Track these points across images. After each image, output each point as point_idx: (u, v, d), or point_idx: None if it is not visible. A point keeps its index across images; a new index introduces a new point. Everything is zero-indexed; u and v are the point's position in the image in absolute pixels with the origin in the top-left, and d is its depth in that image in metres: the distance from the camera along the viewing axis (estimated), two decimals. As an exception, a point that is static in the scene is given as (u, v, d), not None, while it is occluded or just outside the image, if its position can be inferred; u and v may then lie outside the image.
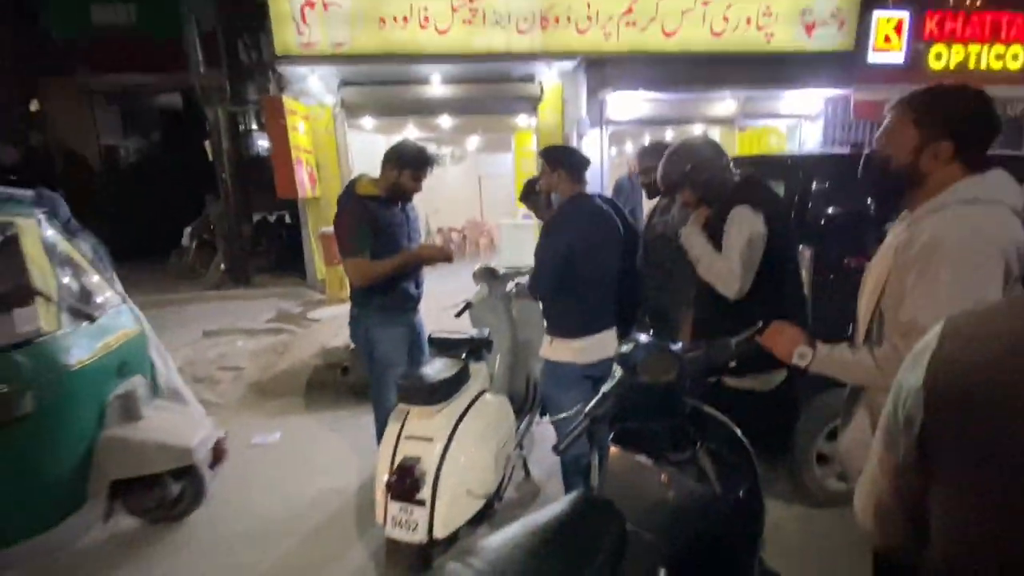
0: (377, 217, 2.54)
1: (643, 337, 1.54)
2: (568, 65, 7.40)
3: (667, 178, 2.21)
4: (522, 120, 8.26)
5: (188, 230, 9.57)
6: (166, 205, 10.89)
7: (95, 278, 2.77)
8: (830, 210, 2.74)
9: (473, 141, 11.01)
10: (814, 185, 2.73)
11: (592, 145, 7.69)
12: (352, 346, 4.10)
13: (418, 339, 2.82)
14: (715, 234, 2.10)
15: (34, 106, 11.02)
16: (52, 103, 11.02)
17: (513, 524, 1.15)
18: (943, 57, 8.26)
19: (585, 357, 2.27)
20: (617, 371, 1.45)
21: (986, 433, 0.56)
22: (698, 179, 2.15)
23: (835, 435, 2.60)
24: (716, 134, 8.80)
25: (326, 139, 7.38)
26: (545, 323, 2.40)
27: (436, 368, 2.31)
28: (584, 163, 2.37)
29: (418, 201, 2.81)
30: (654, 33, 7.38)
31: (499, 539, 1.09)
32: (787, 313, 1.68)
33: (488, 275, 3.04)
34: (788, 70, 7.75)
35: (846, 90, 7.92)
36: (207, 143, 8.66)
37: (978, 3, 8.19)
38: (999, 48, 8.27)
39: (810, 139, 8.46)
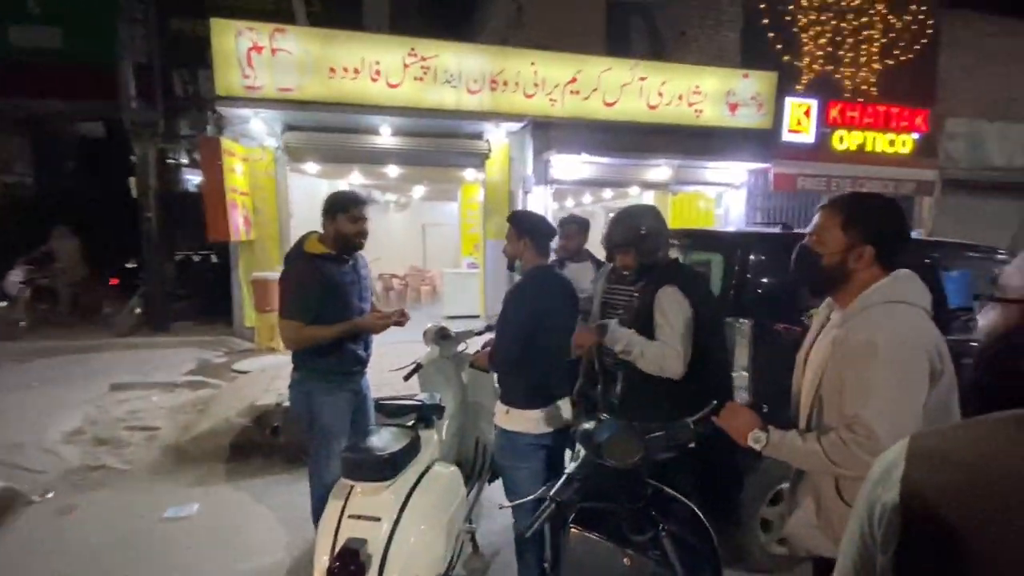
0: (326, 276, 2.44)
1: (606, 417, 1.52)
2: (515, 126, 7.57)
3: (615, 239, 2.24)
4: (469, 174, 8.27)
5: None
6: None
7: None
8: (765, 281, 2.87)
9: (419, 190, 10.93)
10: (751, 259, 2.87)
11: (537, 201, 7.89)
12: (286, 404, 3.83)
13: (363, 404, 2.69)
14: (638, 310, 2.16)
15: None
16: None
17: None
18: (844, 140, 9.14)
19: (541, 427, 2.22)
20: (580, 451, 1.44)
21: (961, 562, 0.56)
22: (647, 246, 2.20)
23: (777, 500, 2.75)
24: (651, 197, 9.23)
25: (265, 181, 7.12)
26: (499, 390, 2.34)
27: (385, 439, 2.17)
28: (551, 235, 2.35)
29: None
30: (596, 102, 7.68)
31: None
32: (715, 386, 1.73)
33: (439, 336, 2.93)
34: (715, 143, 8.34)
35: (765, 164, 8.63)
36: (132, 179, 8.05)
37: (874, 92, 9.19)
38: (891, 135, 9.28)
39: (734, 205, 9.02)
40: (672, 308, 2.06)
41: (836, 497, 1.42)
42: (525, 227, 2.31)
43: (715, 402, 1.54)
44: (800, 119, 8.80)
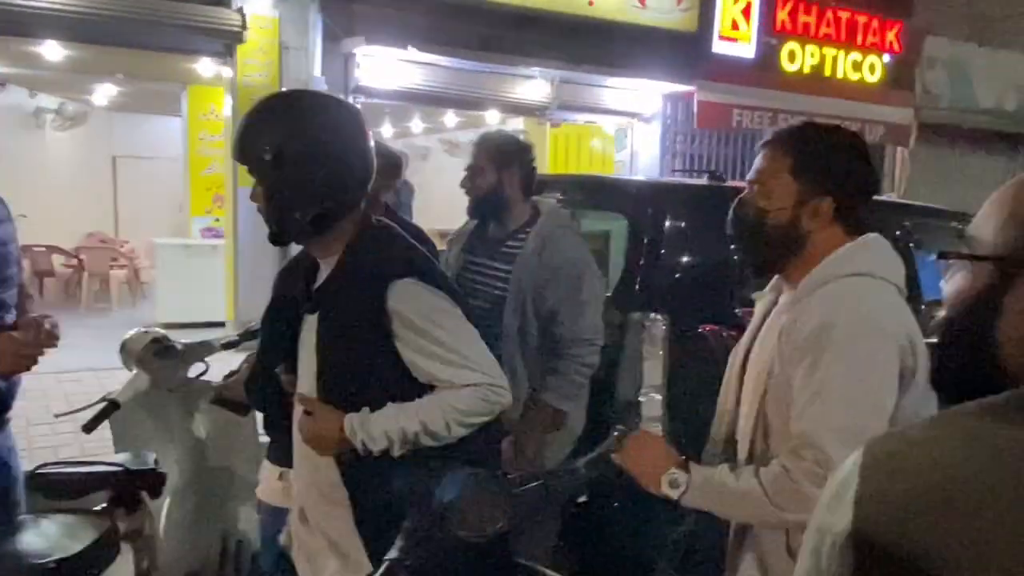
0: None
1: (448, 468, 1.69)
2: (292, -13, 7.27)
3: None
4: (205, 67, 7.88)
5: None
6: None
7: None
8: (688, 260, 3.12)
9: (104, 92, 10.35)
10: (667, 224, 3.10)
11: None
12: None
13: (3, 477, 2.55)
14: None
15: None
16: None
17: None
18: (797, 57, 9.58)
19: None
20: (409, 521, 1.56)
21: None
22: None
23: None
24: (518, 125, 9.34)
25: None
26: (267, 441, 2.43)
27: (47, 536, 2.23)
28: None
29: None
30: (434, -36, 7.65)
31: None
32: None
33: (152, 351, 2.79)
34: (616, 48, 8.35)
35: (687, 86, 8.79)
36: None
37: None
38: (856, 54, 9.92)
39: (643, 147, 9.30)
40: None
41: (785, 556, 1.52)
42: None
43: (616, 432, 1.66)
44: (736, 19, 8.98)
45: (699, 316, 2.93)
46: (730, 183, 3.44)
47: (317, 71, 7.49)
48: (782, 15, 9.21)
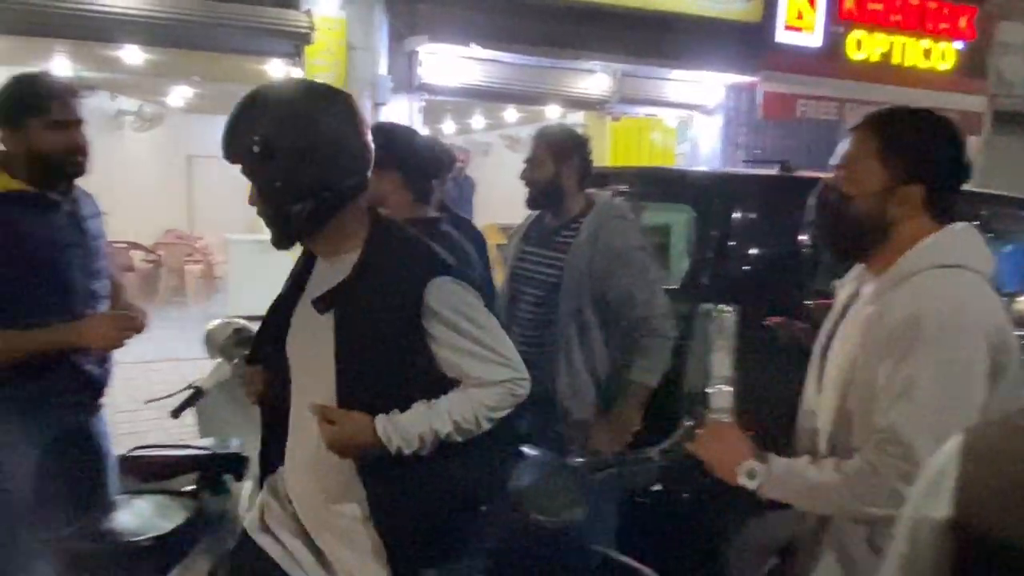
0: (19, 232, 2.37)
1: (528, 450, 1.76)
2: (359, -12, 7.40)
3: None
4: (275, 68, 7.89)
5: None
6: None
7: None
8: (755, 250, 3.11)
9: (181, 94, 10.44)
10: (736, 215, 3.10)
11: (397, 121, 7.56)
12: None
13: (98, 459, 2.62)
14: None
15: None
16: None
17: None
18: (864, 45, 9.39)
19: None
20: (489, 506, 1.63)
21: None
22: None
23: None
24: (579, 119, 9.31)
25: None
26: None
27: (142, 515, 2.23)
28: (436, 163, 2.63)
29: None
30: (495, -37, 7.69)
31: None
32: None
33: (235, 343, 2.79)
34: (678, 41, 8.32)
35: (750, 77, 8.74)
36: None
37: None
38: (927, 41, 9.68)
39: (705, 139, 9.21)
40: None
41: (867, 550, 1.51)
42: (396, 153, 2.45)
43: (689, 422, 1.68)
44: (802, 10, 8.85)
45: (769, 308, 2.87)
46: (803, 174, 3.43)
47: (383, 70, 7.58)
48: (849, 3, 9.10)
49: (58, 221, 2.47)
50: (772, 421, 1.95)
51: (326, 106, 1.65)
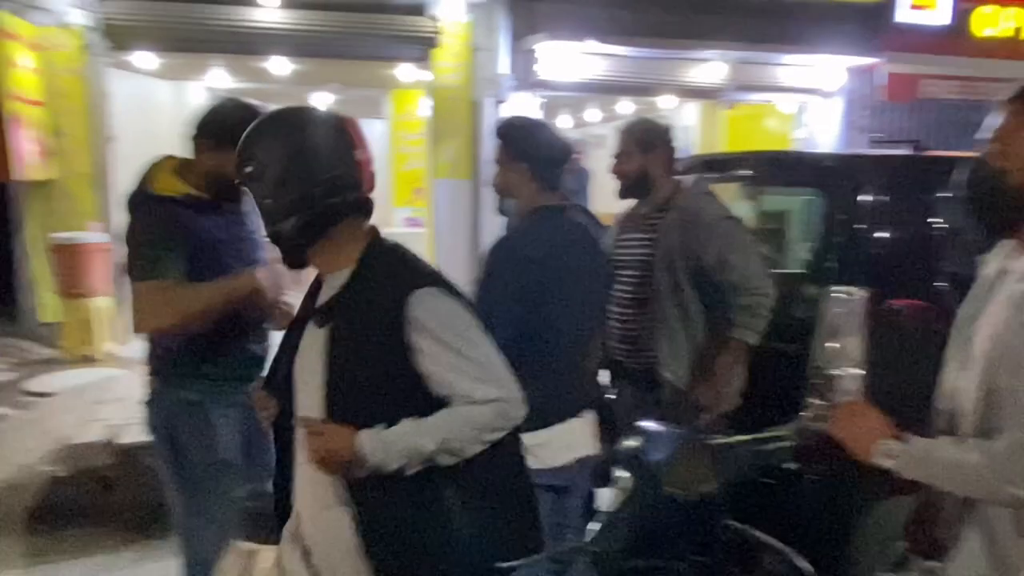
0: (196, 233, 2.51)
1: (655, 425, 1.64)
2: (483, -7, 7.44)
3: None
4: (405, 72, 8.12)
5: None
6: None
7: None
8: (886, 234, 3.02)
9: (321, 100, 10.50)
10: (865, 199, 3.06)
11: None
12: (120, 441, 4.10)
13: (258, 429, 2.66)
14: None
15: None
16: None
17: None
18: (991, 22, 8.88)
19: (547, 458, 2.31)
20: (623, 481, 1.55)
21: None
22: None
23: (903, 565, 2.84)
24: (696, 110, 9.44)
25: (70, 85, 6.74)
26: None
27: None
28: (563, 156, 2.56)
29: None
30: (610, -42, 7.59)
31: None
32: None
33: None
34: (796, 24, 8.11)
35: (871, 59, 8.47)
36: None
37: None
38: None
39: (823, 123, 8.99)
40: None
41: (1015, 535, 1.47)
42: (523, 145, 2.48)
43: (821, 401, 1.63)
44: None
45: (899, 290, 2.83)
46: (937, 153, 3.36)
47: (504, 69, 7.67)
48: (980, -23, 8.60)
49: (231, 224, 2.64)
50: (900, 405, 1.88)
51: (313, 129, 1.69)
